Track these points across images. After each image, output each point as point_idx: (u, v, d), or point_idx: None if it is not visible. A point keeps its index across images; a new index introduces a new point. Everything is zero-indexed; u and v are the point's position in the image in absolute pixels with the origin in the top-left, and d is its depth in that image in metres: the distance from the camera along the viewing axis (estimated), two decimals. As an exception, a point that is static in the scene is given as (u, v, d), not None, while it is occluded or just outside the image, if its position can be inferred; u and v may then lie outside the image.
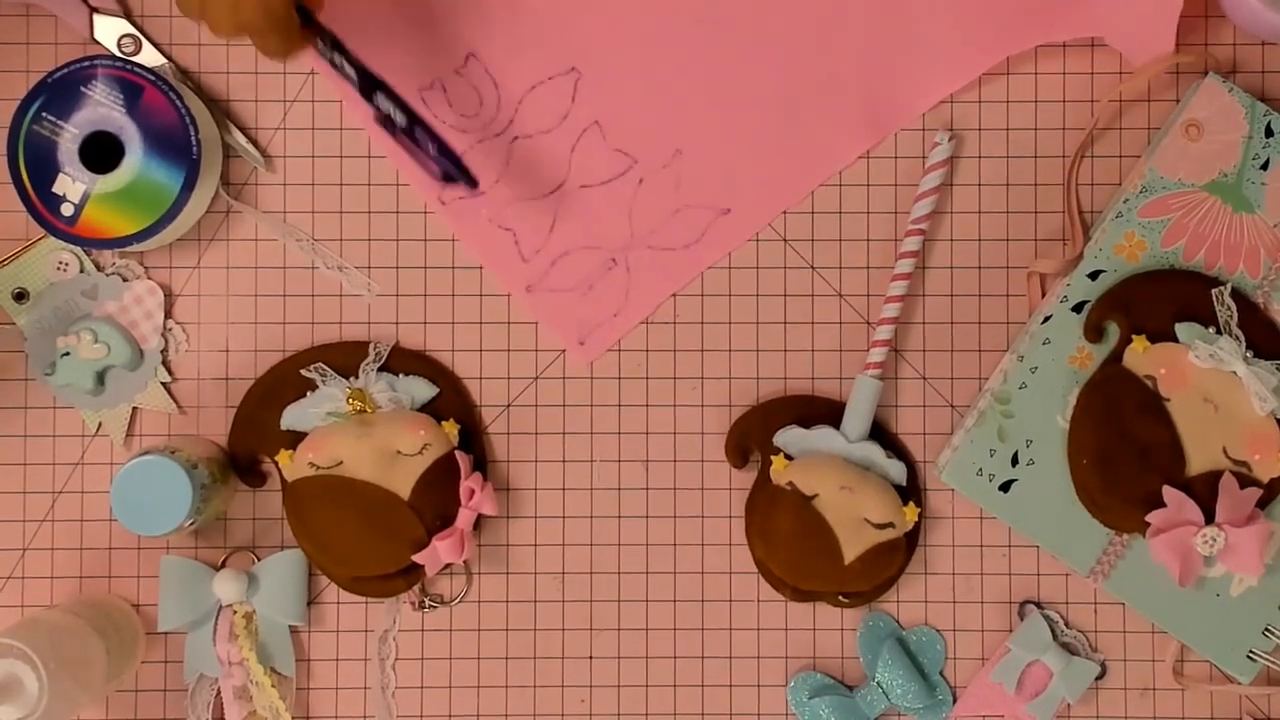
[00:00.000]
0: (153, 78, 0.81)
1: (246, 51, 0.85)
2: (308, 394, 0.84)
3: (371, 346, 0.84)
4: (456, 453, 0.83)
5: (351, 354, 0.85)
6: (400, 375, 0.85)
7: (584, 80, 0.81)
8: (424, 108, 0.77)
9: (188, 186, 0.81)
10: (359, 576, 0.83)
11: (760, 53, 0.82)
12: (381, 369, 0.85)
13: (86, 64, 0.81)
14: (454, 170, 0.77)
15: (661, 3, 0.82)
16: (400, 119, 0.77)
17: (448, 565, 0.83)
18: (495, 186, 0.79)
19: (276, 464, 0.83)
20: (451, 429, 0.84)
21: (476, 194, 0.79)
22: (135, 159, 0.81)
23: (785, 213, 0.85)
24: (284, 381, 0.85)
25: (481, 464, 0.85)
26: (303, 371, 0.84)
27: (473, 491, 0.82)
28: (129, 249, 0.82)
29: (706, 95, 0.82)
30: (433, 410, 0.85)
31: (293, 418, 0.84)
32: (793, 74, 0.82)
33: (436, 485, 0.83)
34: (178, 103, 0.81)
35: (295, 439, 0.83)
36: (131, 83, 0.81)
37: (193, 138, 0.81)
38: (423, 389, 0.85)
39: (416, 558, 0.82)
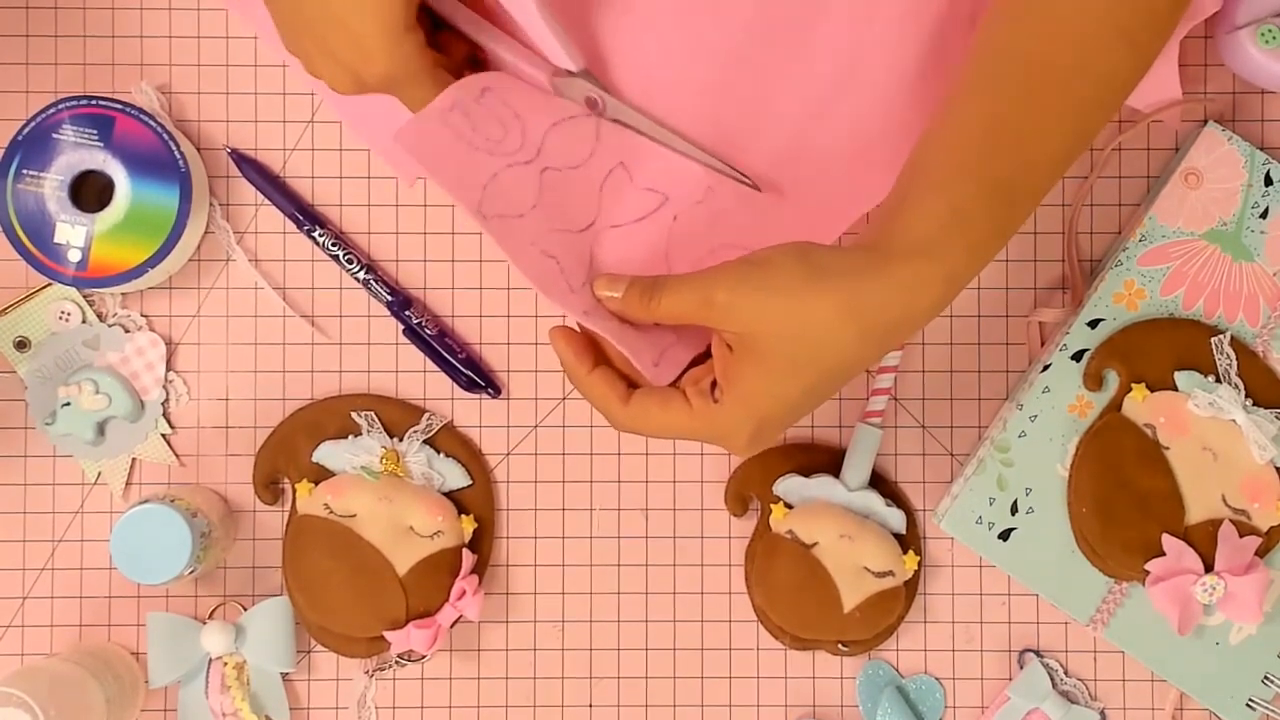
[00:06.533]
0: (120, 105, 0.80)
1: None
2: (349, 437, 0.84)
3: (426, 416, 0.84)
4: (464, 550, 0.83)
5: (403, 414, 0.84)
6: (441, 454, 0.85)
7: (605, 120, 0.76)
8: (445, 127, 0.72)
9: (185, 198, 0.81)
10: (326, 628, 0.83)
11: (784, 99, 0.79)
12: (425, 442, 0.85)
13: (52, 110, 0.81)
14: (480, 379, 0.84)
15: (681, 49, 0.78)
16: (431, 330, 0.84)
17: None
18: (533, 212, 0.74)
19: (294, 490, 0.84)
20: (469, 526, 0.84)
21: (517, 218, 0.74)
22: (126, 187, 0.81)
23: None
24: (332, 416, 0.84)
25: (481, 568, 0.85)
26: (353, 414, 0.84)
27: (464, 592, 0.82)
28: (144, 281, 0.82)
29: (732, 137, 0.79)
30: (457, 500, 0.84)
31: (325, 454, 0.84)
32: (819, 119, 0.79)
33: (433, 573, 0.83)
34: (152, 123, 0.81)
35: (320, 475, 0.84)
36: (102, 116, 0.80)
37: (175, 152, 0.81)
38: (457, 476, 0.85)
39: (389, 634, 0.82)
